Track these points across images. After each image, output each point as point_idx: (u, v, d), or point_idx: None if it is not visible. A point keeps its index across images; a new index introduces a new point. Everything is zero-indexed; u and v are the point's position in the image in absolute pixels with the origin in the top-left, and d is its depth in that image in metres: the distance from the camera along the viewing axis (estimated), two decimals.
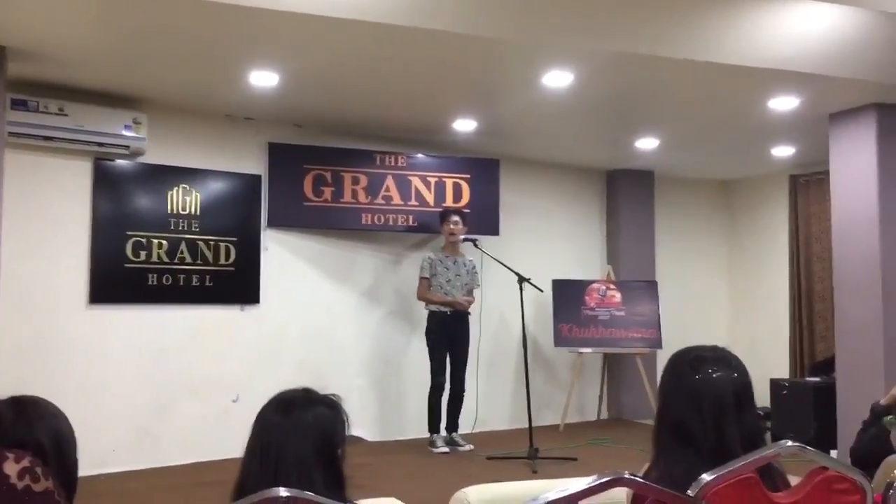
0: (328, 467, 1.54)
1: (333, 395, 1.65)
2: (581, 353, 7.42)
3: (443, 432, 6.31)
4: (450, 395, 6.33)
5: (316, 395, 1.64)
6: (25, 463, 1.28)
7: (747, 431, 1.74)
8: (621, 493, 1.64)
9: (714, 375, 1.77)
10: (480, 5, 4.17)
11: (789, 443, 1.61)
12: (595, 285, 7.58)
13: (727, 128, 6.49)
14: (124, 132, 5.51)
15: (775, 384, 6.99)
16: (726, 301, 8.90)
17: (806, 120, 6.07)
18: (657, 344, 7.38)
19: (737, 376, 1.79)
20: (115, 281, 5.70)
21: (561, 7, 4.22)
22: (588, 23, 4.37)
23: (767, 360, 7.81)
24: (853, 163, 5.88)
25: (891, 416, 2.21)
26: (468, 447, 6.23)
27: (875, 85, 5.24)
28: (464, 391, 6.36)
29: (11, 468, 1.26)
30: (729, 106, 5.83)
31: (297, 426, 1.55)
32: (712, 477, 1.49)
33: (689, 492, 1.47)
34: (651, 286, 7.69)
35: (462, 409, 6.41)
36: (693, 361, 1.81)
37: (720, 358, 1.82)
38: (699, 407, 1.74)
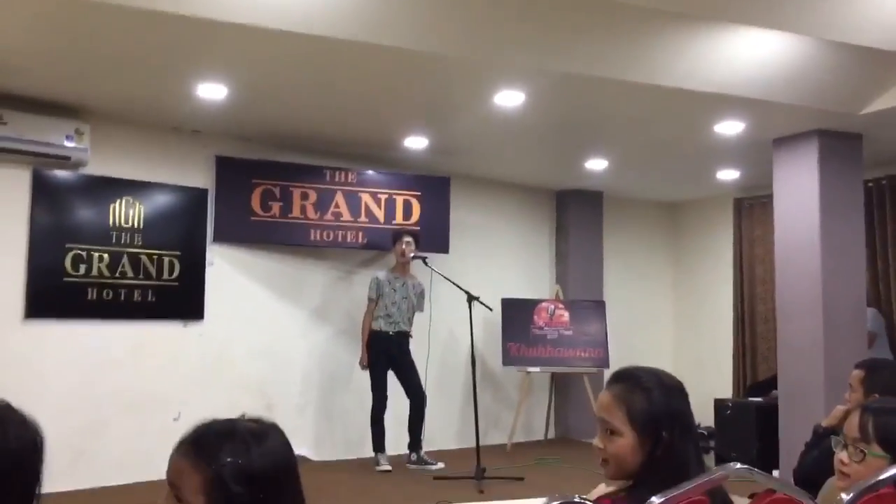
0: None
1: (257, 419, 1.50)
2: (529, 372, 7.42)
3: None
4: (410, 408, 6.25)
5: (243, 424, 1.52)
6: None
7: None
8: None
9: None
10: (431, 22, 4.15)
11: (738, 465, 1.60)
12: (544, 304, 7.60)
13: (674, 150, 6.59)
14: (66, 142, 5.35)
15: (719, 404, 7.07)
16: (671, 321, 9.00)
17: (751, 144, 6.19)
18: (604, 363, 7.42)
19: None
20: (52, 295, 5.52)
21: (511, 26, 4.23)
22: (538, 43, 4.38)
23: (712, 380, 7.89)
24: (795, 188, 6.00)
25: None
26: (439, 465, 6.12)
27: (817, 112, 5.36)
28: (425, 400, 6.26)
29: None
30: (676, 129, 5.92)
31: None
32: (662, 500, 1.47)
33: None
34: (599, 306, 7.74)
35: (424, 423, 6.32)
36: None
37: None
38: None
